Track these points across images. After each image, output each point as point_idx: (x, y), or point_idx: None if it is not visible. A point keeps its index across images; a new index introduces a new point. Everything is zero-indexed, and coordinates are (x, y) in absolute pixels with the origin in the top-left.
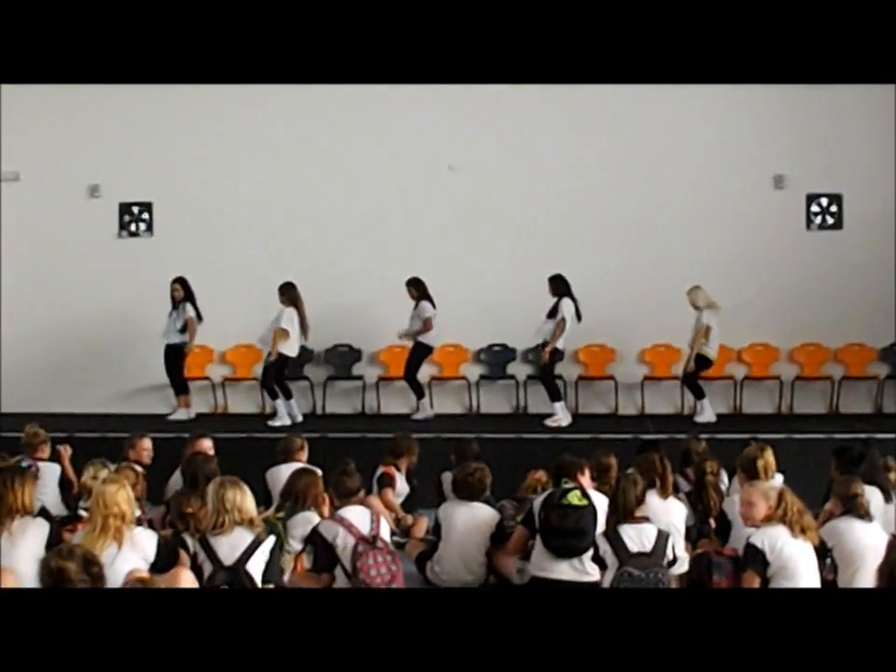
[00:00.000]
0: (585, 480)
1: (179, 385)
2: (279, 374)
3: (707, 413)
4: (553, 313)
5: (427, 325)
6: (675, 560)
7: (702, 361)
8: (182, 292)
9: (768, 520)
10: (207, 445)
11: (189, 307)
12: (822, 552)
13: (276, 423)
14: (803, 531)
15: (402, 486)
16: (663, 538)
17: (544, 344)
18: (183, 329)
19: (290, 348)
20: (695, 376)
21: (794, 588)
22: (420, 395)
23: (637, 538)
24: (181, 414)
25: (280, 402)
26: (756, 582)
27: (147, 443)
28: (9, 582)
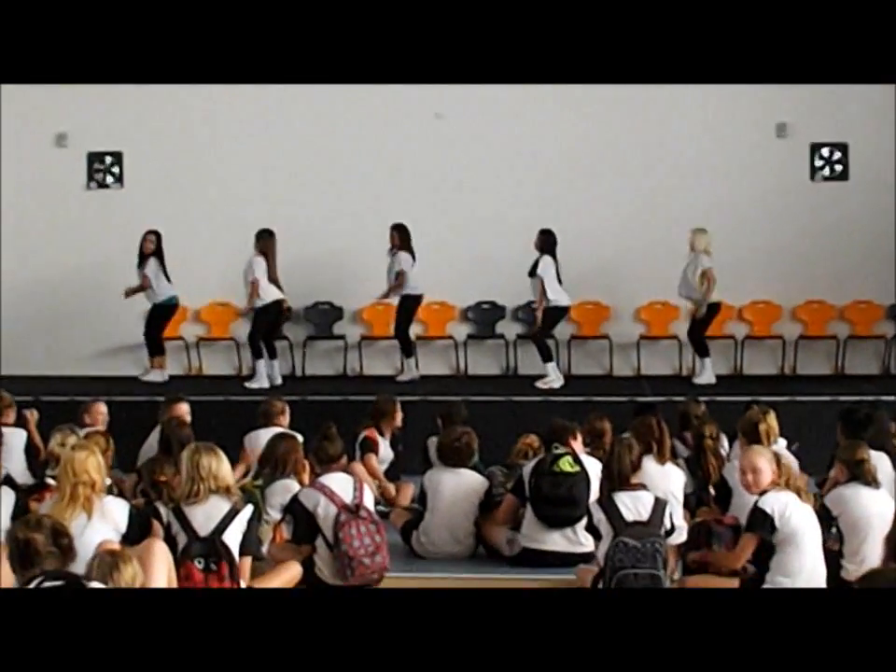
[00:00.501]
0: (577, 445)
1: (155, 345)
2: (270, 329)
3: (706, 374)
4: (533, 271)
5: (400, 279)
6: (673, 529)
7: (712, 308)
8: (154, 246)
9: (773, 485)
10: (184, 410)
11: (152, 262)
12: (827, 520)
13: (254, 385)
14: (800, 495)
15: (386, 452)
16: (660, 505)
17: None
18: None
19: (263, 299)
20: (706, 327)
21: (795, 588)
22: (409, 354)
23: (633, 505)
24: (155, 376)
25: (261, 362)
26: (752, 547)
27: (102, 407)
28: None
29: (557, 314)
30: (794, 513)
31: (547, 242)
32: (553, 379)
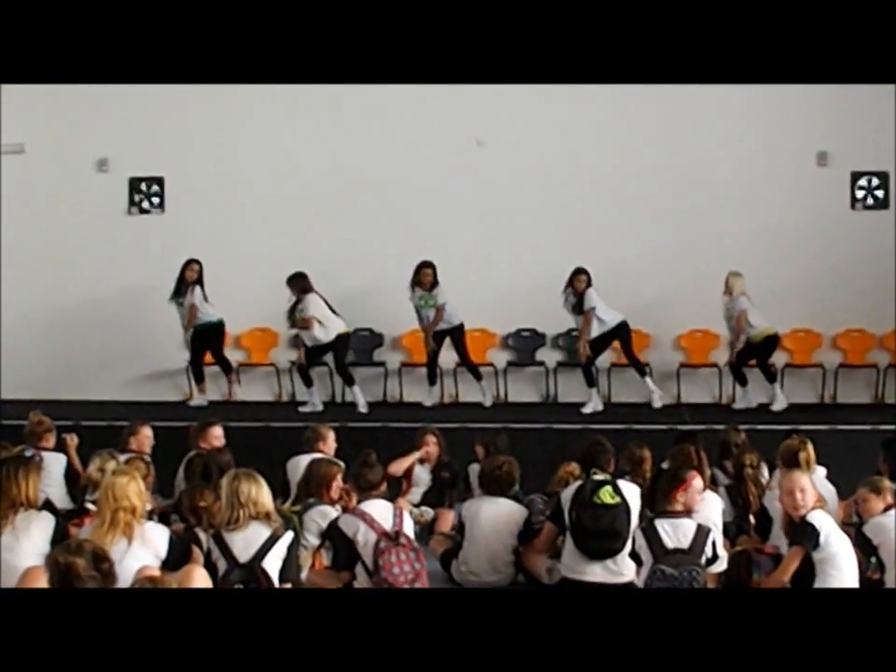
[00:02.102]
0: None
1: (201, 370)
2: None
3: (779, 401)
4: (580, 307)
5: (440, 315)
6: (716, 557)
7: (759, 346)
8: (197, 275)
9: (817, 507)
10: (217, 434)
11: (198, 291)
12: (867, 549)
13: (308, 409)
14: None
15: (420, 478)
16: (702, 533)
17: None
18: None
19: (326, 333)
20: (764, 356)
21: (835, 588)
22: (479, 377)
23: (674, 533)
24: (200, 400)
25: (313, 389)
26: (798, 560)
27: (148, 431)
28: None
29: (621, 331)
30: (835, 535)
31: (588, 279)
32: (594, 403)
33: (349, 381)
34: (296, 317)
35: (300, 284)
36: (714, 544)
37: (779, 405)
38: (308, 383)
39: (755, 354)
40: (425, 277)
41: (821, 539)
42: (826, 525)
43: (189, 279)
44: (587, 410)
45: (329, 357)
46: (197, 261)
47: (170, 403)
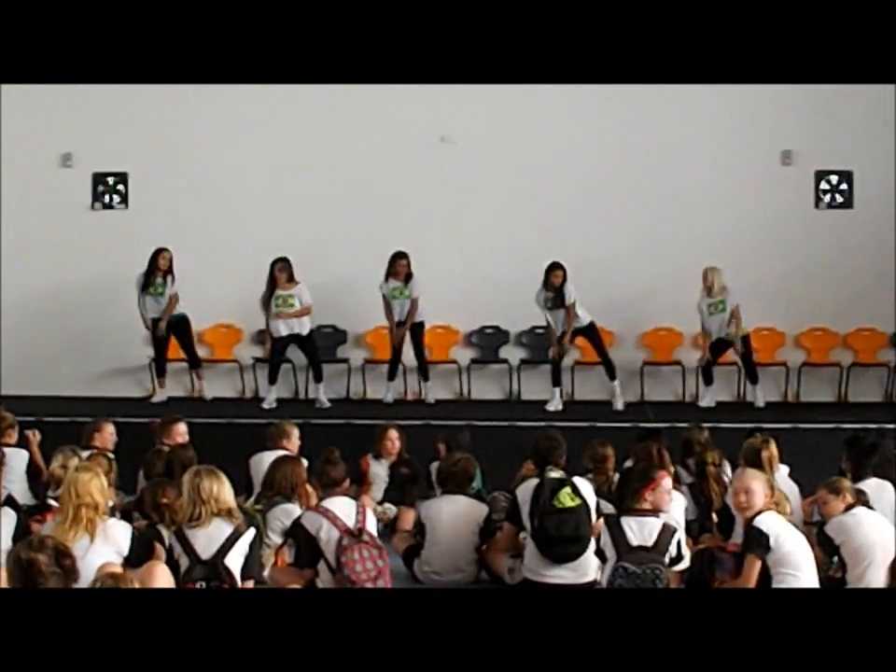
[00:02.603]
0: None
1: (164, 365)
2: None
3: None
4: (561, 302)
5: (415, 307)
6: (680, 558)
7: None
8: (170, 263)
9: (766, 508)
10: (181, 430)
11: (174, 281)
12: (829, 549)
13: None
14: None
15: (378, 473)
16: (668, 532)
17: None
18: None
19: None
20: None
21: (797, 588)
22: (427, 378)
23: (640, 531)
24: (161, 397)
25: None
26: (757, 568)
27: (111, 428)
28: None
29: (591, 330)
30: (788, 536)
31: (564, 274)
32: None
33: (321, 376)
34: (289, 302)
35: (291, 270)
36: (679, 544)
37: (761, 401)
38: (275, 379)
39: (723, 351)
40: (400, 268)
41: (771, 541)
42: (774, 525)
43: (161, 267)
44: (551, 407)
45: (290, 354)
46: (167, 249)
47: (133, 399)
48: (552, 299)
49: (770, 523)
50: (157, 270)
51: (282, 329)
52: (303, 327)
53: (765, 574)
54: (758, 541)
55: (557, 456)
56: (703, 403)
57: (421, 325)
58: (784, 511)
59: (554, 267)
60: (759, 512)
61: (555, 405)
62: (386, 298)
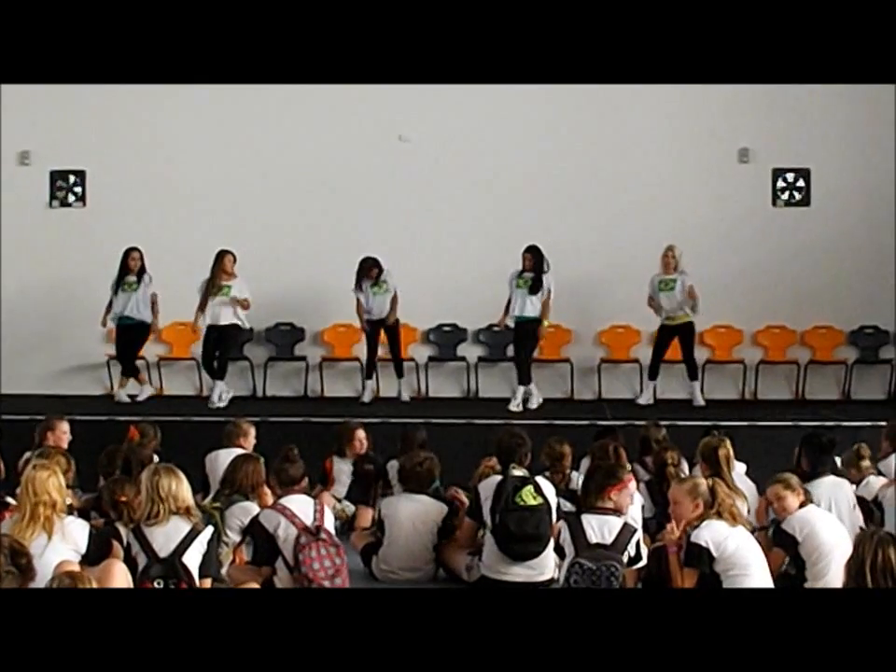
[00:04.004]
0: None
1: (133, 364)
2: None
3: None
4: (538, 287)
5: (397, 299)
6: (638, 558)
7: (682, 331)
8: (141, 263)
9: (701, 518)
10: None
11: (150, 280)
12: (789, 545)
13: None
14: (735, 521)
15: (342, 470)
16: (627, 532)
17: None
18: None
19: (244, 320)
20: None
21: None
22: (402, 374)
23: (599, 529)
24: (139, 391)
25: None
26: (693, 580)
27: (65, 426)
28: None
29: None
30: (730, 539)
31: (534, 258)
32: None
33: (224, 373)
34: (226, 291)
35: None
36: (638, 544)
37: (700, 401)
38: (216, 374)
39: (670, 340)
40: (370, 272)
41: (714, 552)
42: (714, 533)
43: (132, 268)
44: (533, 405)
45: (248, 351)
46: (137, 249)
47: (93, 397)
48: (530, 281)
49: (707, 533)
50: (129, 270)
51: (221, 319)
52: (244, 319)
53: (714, 580)
54: (696, 557)
55: (521, 454)
56: (641, 400)
57: (397, 321)
58: (734, 511)
59: (526, 250)
60: (690, 523)
61: (537, 401)
62: (361, 300)
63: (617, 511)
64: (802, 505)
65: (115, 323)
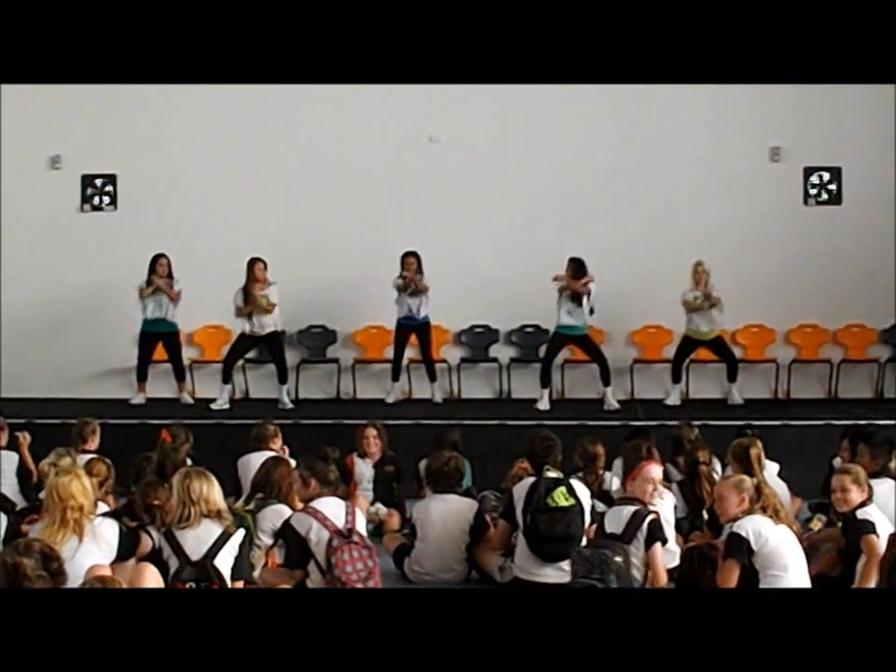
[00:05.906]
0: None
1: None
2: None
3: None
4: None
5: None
6: (654, 539)
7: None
8: (168, 269)
9: (747, 512)
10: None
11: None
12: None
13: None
14: (779, 519)
15: (363, 472)
16: (638, 518)
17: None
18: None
19: (277, 323)
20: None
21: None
22: (435, 378)
23: (615, 519)
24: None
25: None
26: (736, 573)
27: (98, 430)
28: None
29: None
30: (771, 534)
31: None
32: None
33: (286, 377)
34: (258, 299)
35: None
36: (651, 525)
37: (738, 399)
38: (228, 378)
39: (694, 351)
40: (410, 266)
41: (753, 545)
42: (755, 525)
43: (160, 274)
44: (543, 406)
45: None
46: (165, 255)
47: (123, 401)
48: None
49: (748, 525)
50: (156, 276)
51: (255, 327)
52: (278, 323)
53: (753, 576)
54: (737, 547)
55: (554, 456)
56: (669, 401)
57: (428, 324)
58: (779, 510)
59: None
60: (736, 518)
61: (544, 404)
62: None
63: (635, 500)
64: (863, 504)
65: (143, 328)
